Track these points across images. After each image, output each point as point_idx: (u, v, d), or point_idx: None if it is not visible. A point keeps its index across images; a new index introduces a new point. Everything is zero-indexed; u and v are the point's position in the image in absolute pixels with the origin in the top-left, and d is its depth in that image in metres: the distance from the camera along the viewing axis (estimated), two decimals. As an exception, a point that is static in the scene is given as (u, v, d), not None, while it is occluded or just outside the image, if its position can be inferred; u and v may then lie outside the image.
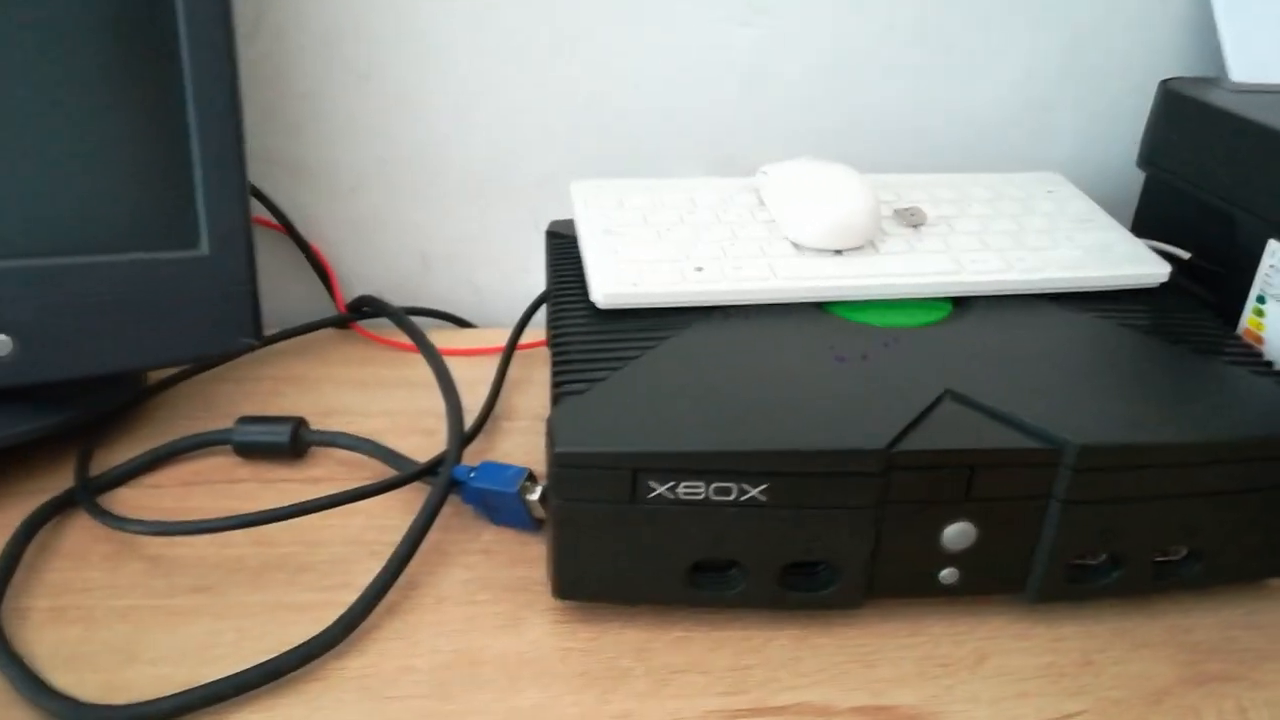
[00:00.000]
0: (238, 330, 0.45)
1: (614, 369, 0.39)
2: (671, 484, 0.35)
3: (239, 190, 0.43)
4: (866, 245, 0.46)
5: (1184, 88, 0.51)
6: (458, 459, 0.43)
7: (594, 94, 0.57)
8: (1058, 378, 0.39)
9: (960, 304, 0.44)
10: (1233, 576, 0.40)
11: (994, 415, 0.37)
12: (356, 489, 0.41)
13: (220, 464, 0.46)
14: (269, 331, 0.55)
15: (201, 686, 0.33)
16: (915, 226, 0.48)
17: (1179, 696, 0.36)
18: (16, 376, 0.41)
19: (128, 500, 0.44)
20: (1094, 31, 0.59)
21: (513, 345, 0.54)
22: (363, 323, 0.57)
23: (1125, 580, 0.38)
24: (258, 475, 0.45)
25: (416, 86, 0.56)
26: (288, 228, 0.57)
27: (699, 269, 0.43)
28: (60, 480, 0.44)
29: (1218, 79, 0.54)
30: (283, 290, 0.60)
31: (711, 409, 0.36)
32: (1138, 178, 0.55)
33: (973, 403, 0.37)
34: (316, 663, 0.36)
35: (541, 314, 0.55)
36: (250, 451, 0.46)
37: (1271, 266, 0.45)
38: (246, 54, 0.55)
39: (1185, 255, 0.50)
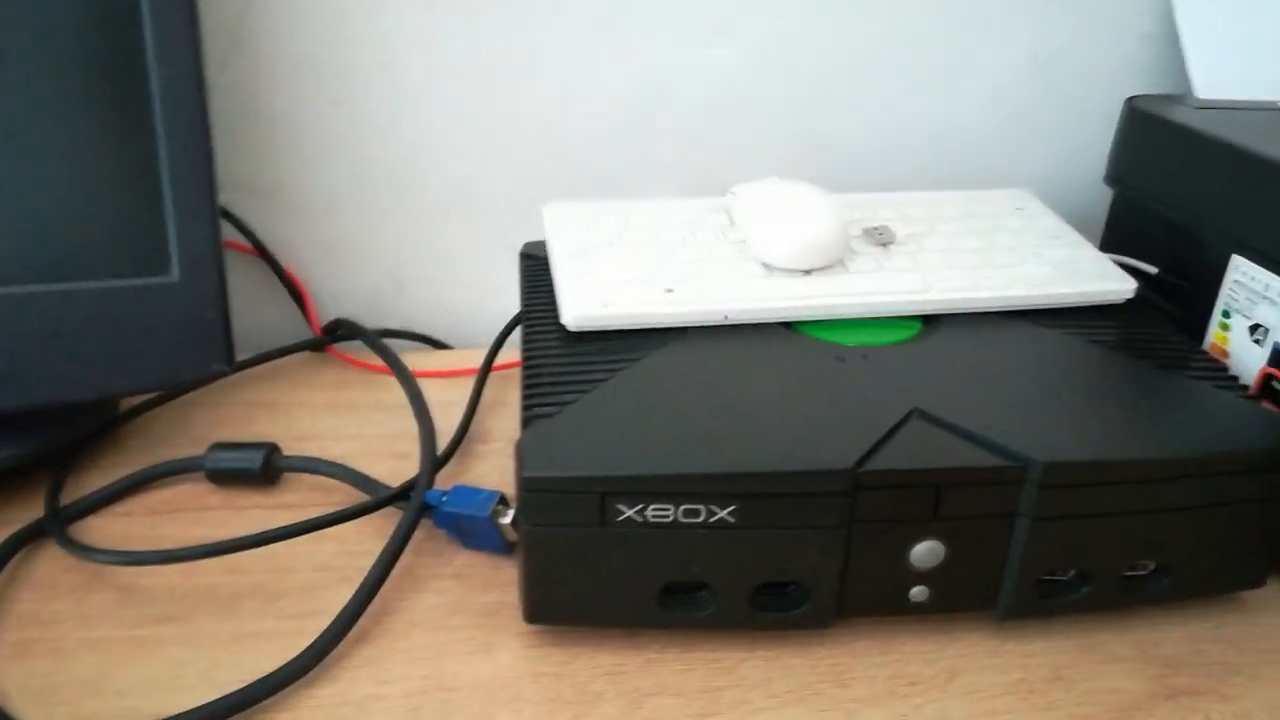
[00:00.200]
0: (210, 356, 0.45)
1: (584, 391, 0.39)
2: (640, 507, 0.35)
3: (209, 216, 0.43)
4: (836, 264, 0.46)
5: (1149, 105, 0.52)
6: (430, 483, 0.43)
7: (565, 115, 0.58)
8: (1025, 395, 0.39)
9: (929, 322, 0.45)
10: (1201, 590, 0.41)
11: (961, 434, 0.37)
12: (327, 515, 0.41)
13: (192, 491, 0.46)
14: (244, 355, 0.55)
15: (173, 718, 0.33)
16: (884, 245, 0.48)
17: (1148, 711, 0.36)
18: (-15, 405, 0.41)
19: (98, 529, 0.43)
20: (1062, 50, 0.60)
21: (487, 367, 0.54)
22: (338, 345, 0.57)
23: (1094, 596, 0.39)
24: (230, 502, 0.45)
25: (388, 110, 0.56)
26: (261, 251, 0.57)
27: (669, 290, 0.44)
28: (30, 510, 0.43)
29: (1183, 96, 0.54)
30: (257, 314, 0.60)
31: (680, 431, 0.36)
32: (1106, 194, 0.56)
33: (940, 421, 0.37)
34: (286, 692, 0.35)
35: (518, 335, 0.55)
36: (222, 478, 0.45)
37: (1236, 281, 0.45)
38: (219, 80, 0.55)
39: (1152, 270, 0.50)
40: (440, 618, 0.39)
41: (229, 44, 0.54)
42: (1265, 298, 0.43)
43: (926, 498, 0.36)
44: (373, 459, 0.48)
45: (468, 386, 0.53)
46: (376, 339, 0.54)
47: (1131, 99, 0.53)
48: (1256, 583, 0.40)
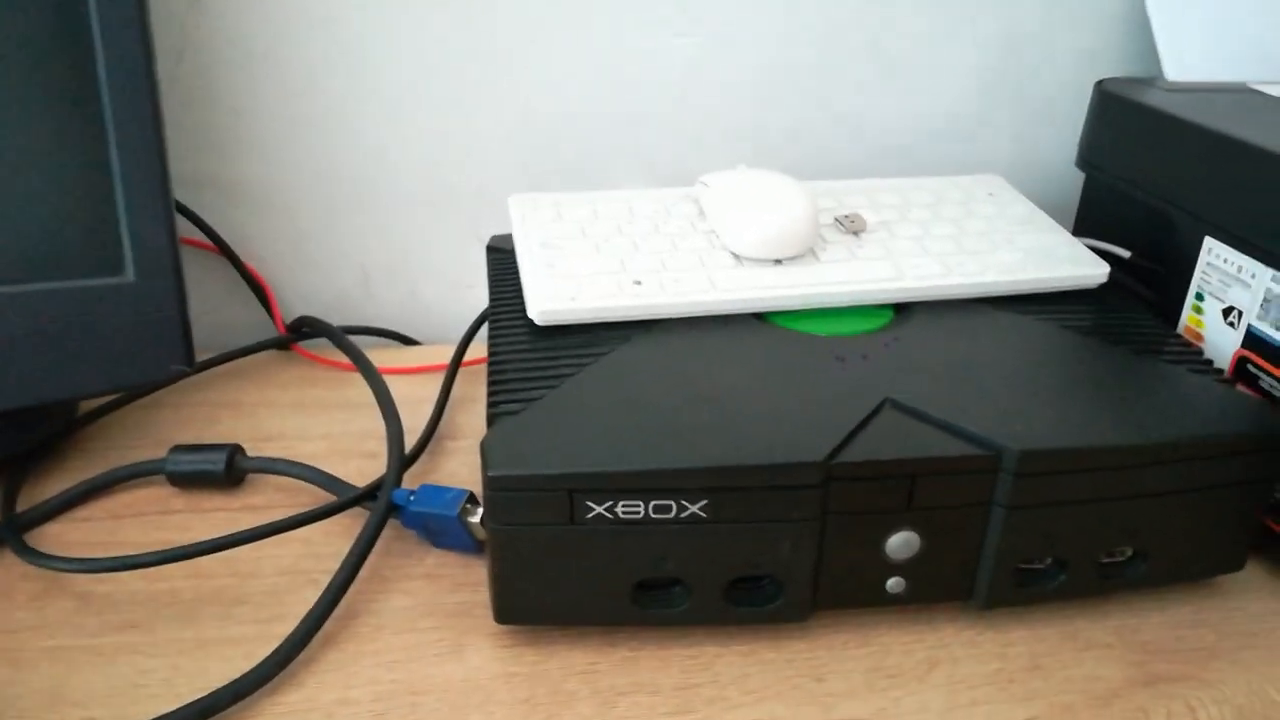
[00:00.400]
0: (168, 357, 0.44)
1: (551, 387, 0.38)
2: (610, 504, 0.34)
3: (164, 214, 0.42)
4: (806, 254, 0.45)
5: (1119, 88, 0.52)
6: (397, 482, 0.42)
7: (532, 106, 0.57)
8: (998, 382, 0.39)
9: (901, 310, 0.44)
10: (1179, 576, 0.40)
11: (934, 423, 0.36)
12: (291, 517, 0.40)
13: (153, 495, 0.45)
14: (207, 355, 0.54)
15: (128, 730, 0.32)
16: (855, 233, 0.48)
17: (1127, 698, 0.36)
18: (-65, 412, 0.40)
19: (57, 535, 0.42)
20: (1033, 33, 0.59)
21: (456, 363, 0.53)
22: (303, 343, 0.56)
23: (1071, 583, 0.38)
24: (192, 505, 0.44)
25: (350, 102, 0.55)
26: (223, 248, 0.56)
27: (638, 282, 0.43)
28: (-14, 517, 0.42)
29: (1153, 79, 0.54)
30: (220, 312, 0.59)
31: (649, 425, 0.36)
32: (1079, 179, 0.55)
33: (913, 411, 0.37)
34: (250, 699, 0.34)
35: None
36: (184, 481, 0.44)
37: (1209, 264, 0.45)
38: (174, 73, 0.53)
39: (1125, 254, 0.50)
40: (409, 620, 0.38)
41: (182, 38, 0.53)
42: (1238, 280, 0.43)
43: (900, 488, 0.35)
44: (340, 459, 0.47)
45: (438, 383, 0.52)
46: (342, 336, 0.53)
47: (1101, 82, 0.53)
48: (1235, 566, 0.40)
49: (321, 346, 0.56)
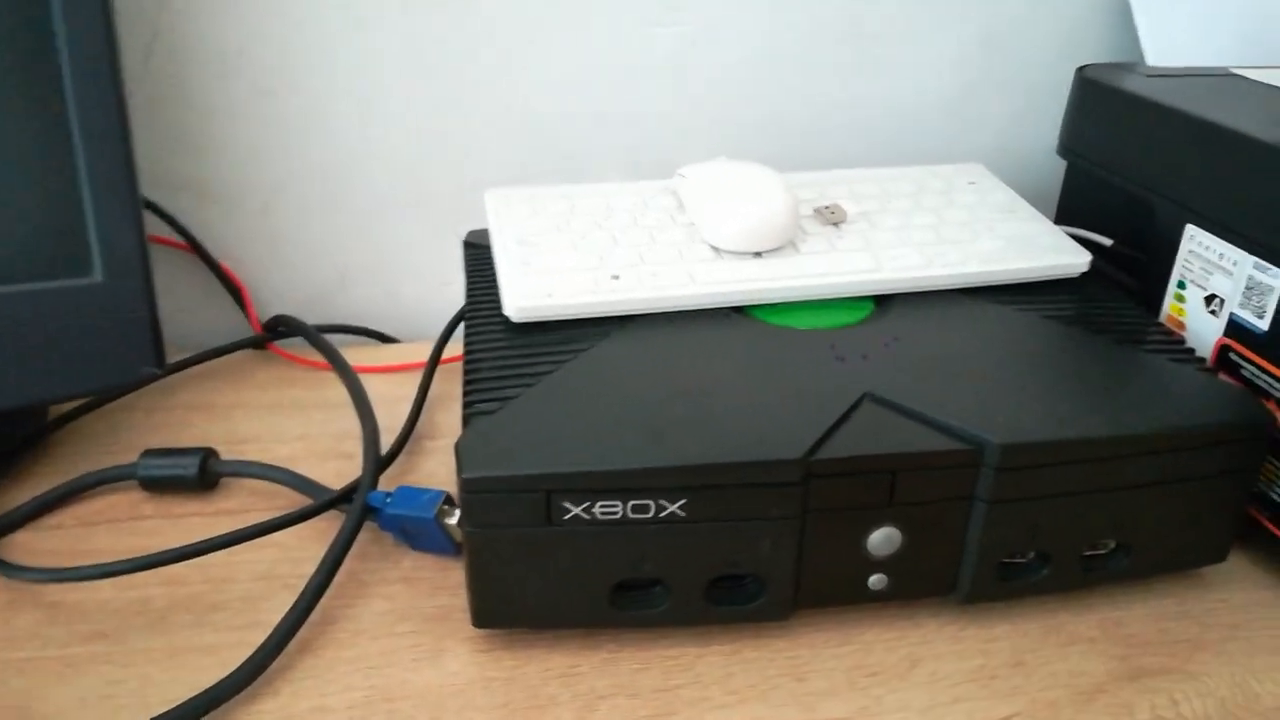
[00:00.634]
0: (139, 358, 0.43)
1: (527, 385, 0.37)
2: (587, 504, 0.34)
3: (132, 213, 0.41)
4: (786, 246, 0.45)
5: (1100, 74, 0.51)
6: (373, 484, 0.42)
7: (509, 101, 0.56)
8: (980, 374, 0.38)
9: (882, 302, 0.44)
10: (1163, 567, 0.40)
11: (914, 417, 0.36)
12: (265, 522, 0.39)
13: (125, 500, 0.44)
14: (183, 355, 0.53)
15: (99, 742, 0.32)
16: (836, 224, 0.47)
17: (1111, 693, 0.36)
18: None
19: (26, 543, 0.42)
20: (1013, 20, 0.59)
21: (434, 361, 0.52)
22: (280, 343, 0.56)
23: (1054, 577, 0.38)
24: (165, 511, 0.43)
25: (323, 99, 0.55)
26: (195, 247, 0.55)
27: (615, 277, 0.42)
28: (-46, 526, 0.42)
29: (1134, 65, 0.54)
30: (194, 313, 0.58)
31: (627, 424, 0.35)
32: (1061, 166, 0.55)
33: (893, 404, 0.36)
34: (224, 708, 0.34)
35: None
36: (156, 486, 0.44)
37: (1190, 252, 0.45)
38: (143, 71, 0.52)
39: (1107, 243, 0.50)
40: (386, 624, 0.38)
41: (151, 35, 0.52)
42: (1220, 267, 0.43)
43: (881, 484, 0.35)
44: (317, 460, 0.47)
45: (416, 381, 0.52)
46: (317, 335, 0.52)
47: (1082, 68, 0.52)
48: (1218, 558, 0.40)
49: (298, 346, 0.56)
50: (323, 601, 0.38)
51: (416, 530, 0.40)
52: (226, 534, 0.38)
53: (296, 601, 0.37)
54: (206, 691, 0.33)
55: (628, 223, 0.47)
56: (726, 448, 0.34)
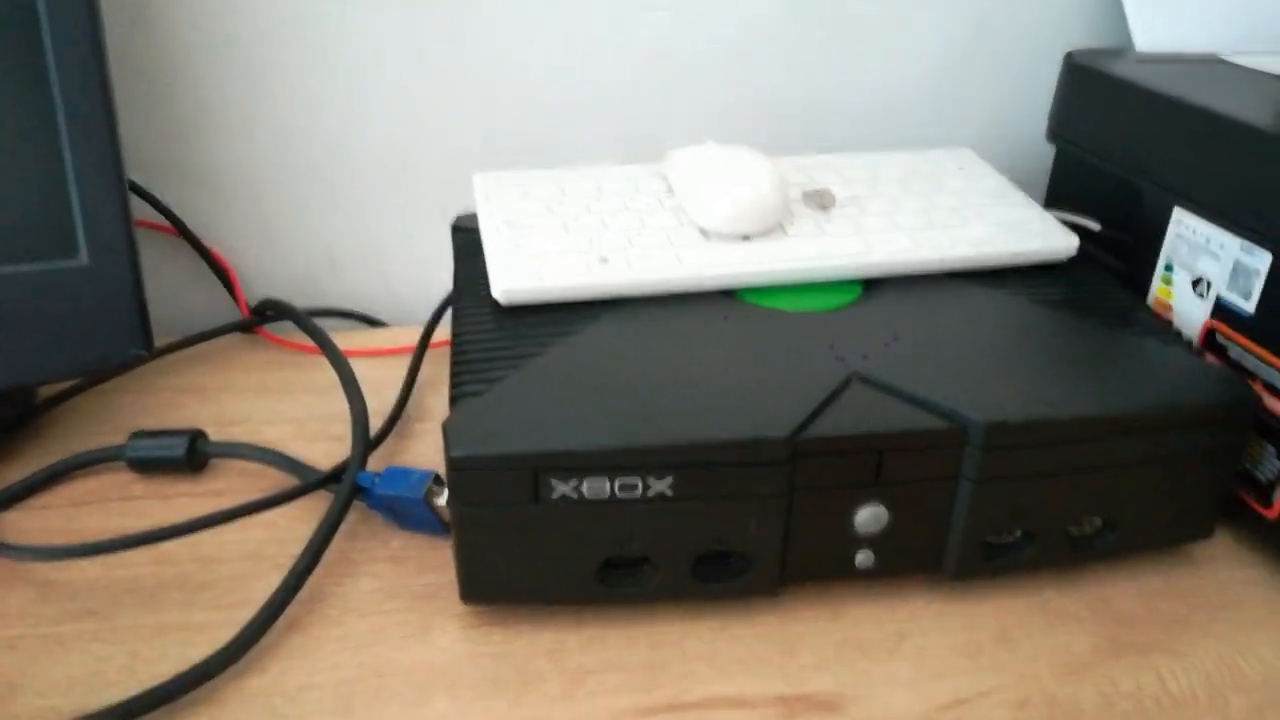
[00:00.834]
0: (126, 341, 0.43)
1: (515, 367, 0.37)
2: (574, 483, 0.34)
3: (117, 195, 0.41)
4: (775, 229, 0.45)
5: (1088, 59, 0.51)
6: (362, 465, 0.42)
7: (498, 83, 0.56)
8: (967, 356, 0.39)
9: (871, 285, 0.44)
10: (1149, 545, 0.41)
11: (901, 397, 0.36)
12: (253, 501, 0.39)
13: (114, 481, 0.44)
14: (170, 339, 0.53)
15: (87, 717, 0.32)
16: (824, 208, 0.47)
17: (1097, 668, 0.36)
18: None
19: (15, 524, 0.42)
20: (1003, 4, 0.59)
21: (424, 344, 0.52)
22: (269, 326, 0.56)
23: (1040, 555, 0.38)
24: (154, 491, 0.43)
25: (312, 81, 0.54)
26: (182, 231, 0.55)
27: (604, 260, 0.42)
28: (-58, 507, 0.42)
29: (1122, 50, 0.54)
30: (182, 296, 0.58)
31: (614, 404, 0.35)
32: (1050, 151, 0.55)
33: (880, 385, 0.37)
34: (212, 684, 0.34)
35: (455, 311, 0.53)
36: (145, 467, 0.44)
37: (1177, 235, 0.45)
38: (128, 53, 0.52)
39: (1096, 227, 0.50)
40: (375, 602, 0.38)
41: (135, 16, 0.52)
42: (1207, 250, 0.43)
43: (867, 463, 0.35)
44: (306, 442, 0.47)
45: (405, 365, 0.52)
46: (306, 318, 0.52)
47: (1071, 53, 0.53)
48: (1204, 535, 0.40)
49: (287, 329, 0.56)
50: (311, 580, 0.38)
51: (405, 510, 0.40)
52: (215, 513, 0.38)
53: (285, 579, 0.37)
54: (195, 667, 0.33)
55: (617, 206, 0.47)
56: (713, 427, 0.34)
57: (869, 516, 0.36)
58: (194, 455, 0.44)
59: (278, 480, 0.44)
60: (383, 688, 0.34)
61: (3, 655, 0.35)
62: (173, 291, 0.57)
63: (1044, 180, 0.56)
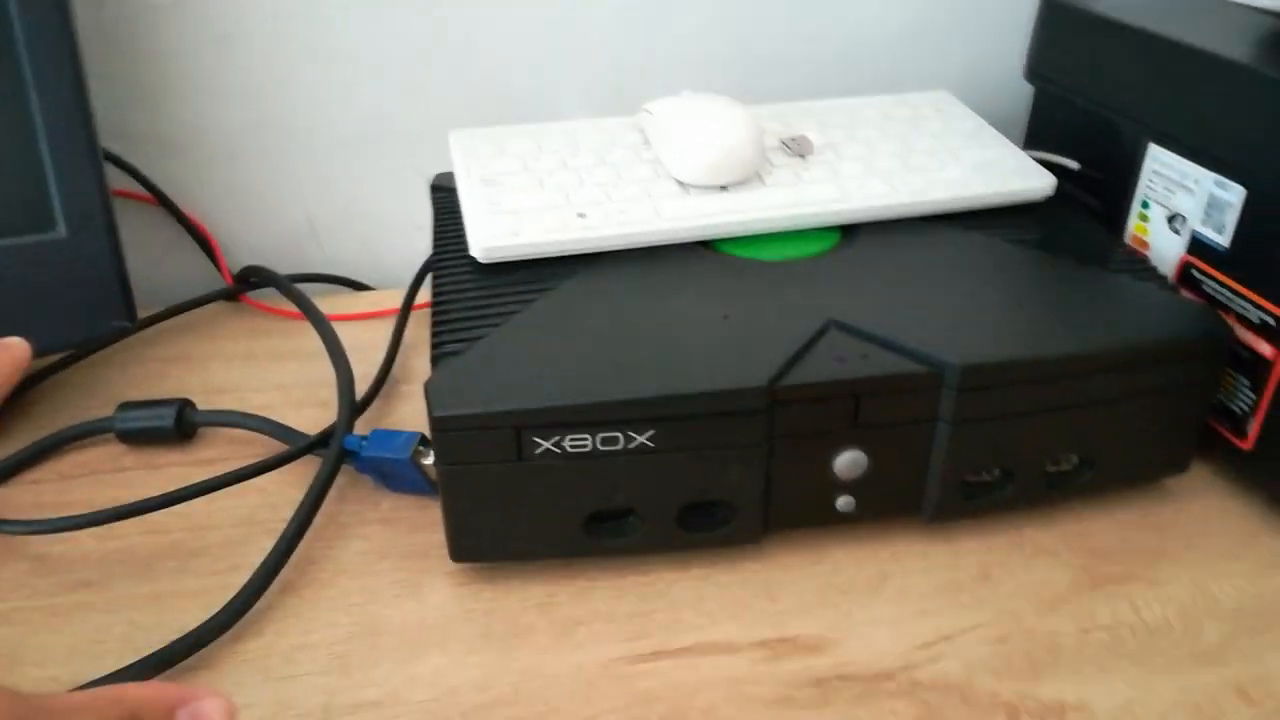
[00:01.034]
0: (109, 313, 0.43)
1: (495, 325, 0.38)
2: (556, 439, 0.34)
3: (92, 167, 0.41)
4: (752, 178, 0.45)
5: (1064, -5, 0.51)
6: (349, 429, 0.42)
7: (475, 38, 0.56)
8: (944, 299, 0.39)
9: (848, 232, 0.44)
10: (1126, 480, 0.41)
11: (877, 342, 0.36)
12: (242, 469, 0.40)
13: (104, 453, 0.44)
14: (154, 309, 0.53)
15: (86, 686, 0.32)
16: (802, 156, 0.47)
17: (1074, 601, 0.37)
18: None
19: (7, 499, 0.42)
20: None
21: (408, 306, 0.52)
22: (252, 293, 0.56)
23: (1019, 493, 0.39)
24: (144, 462, 0.44)
25: (282, 45, 0.54)
26: (161, 200, 0.54)
27: (582, 215, 0.42)
28: (-66, 484, 0.42)
29: (1098, -15, 0.53)
30: (163, 266, 0.57)
31: (593, 358, 0.36)
32: (1029, 92, 0.55)
33: (856, 331, 0.37)
34: (209, 649, 0.35)
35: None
36: (134, 438, 0.44)
37: (1154, 171, 0.45)
38: (98, 22, 0.52)
39: (1074, 165, 0.50)
40: (367, 563, 0.39)
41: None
42: (1182, 186, 0.43)
43: (845, 408, 0.35)
44: (294, 409, 0.47)
45: (390, 328, 0.52)
46: (290, 285, 0.52)
47: (1047, -10, 0.52)
48: (1179, 469, 0.41)
49: (271, 296, 0.56)
50: (303, 543, 0.38)
51: (393, 472, 0.41)
52: (205, 480, 0.39)
53: (277, 543, 0.37)
54: (191, 633, 0.34)
55: (594, 160, 0.47)
56: (692, 378, 0.35)
57: (848, 461, 0.36)
58: (182, 425, 0.44)
59: (267, 447, 0.44)
60: (376, 646, 0.35)
61: (1, 628, 0.36)
62: (155, 262, 0.57)
63: (1025, 121, 0.55)
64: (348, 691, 0.33)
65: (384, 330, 0.52)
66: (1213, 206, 0.41)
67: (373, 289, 0.60)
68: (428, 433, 0.41)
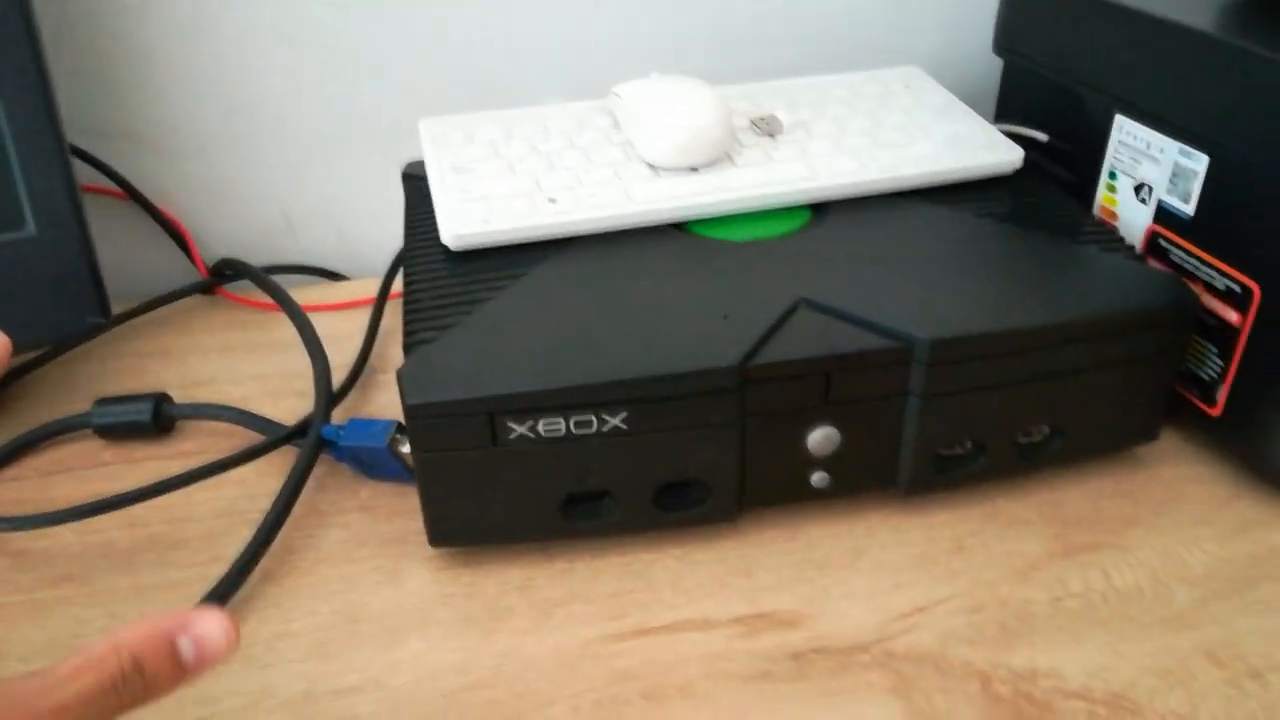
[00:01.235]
0: (82, 309, 0.43)
1: (467, 313, 0.38)
2: (530, 423, 0.35)
3: (59, 164, 0.41)
4: (722, 159, 0.45)
5: (1030, -32, 0.51)
6: (326, 418, 0.42)
7: (443, 24, 0.55)
8: (914, 274, 0.39)
9: (819, 210, 0.44)
10: (1097, 449, 0.42)
11: (847, 319, 0.37)
12: (220, 460, 0.40)
13: (83, 449, 0.44)
14: (130, 305, 0.53)
15: (70, 678, 0.33)
16: (772, 135, 0.47)
17: (1046, 569, 0.37)
18: None
19: (-12, 496, 0.42)
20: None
21: (383, 296, 0.52)
22: (228, 286, 0.56)
23: (991, 465, 0.39)
24: (123, 456, 0.44)
25: (247, 35, 0.54)
26: (132, 194, 0.54)
27: (552, 200, 0.43)
28: (-87, 484, 0.42)
29: (1065, -44, 0.53)
30: (138, 261, 0.57)
31: (564, 343, 0.36)
32: (999, 65, 0.55)
33: (826, 308, 0.37)
34: (190, 640, 0.35)
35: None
36: (112, 433, 0.44)
37: (1120, 142, 0.45)
38: (61, 15, 0.51)
39: (1043, 138, 0.50)
40: (346, 551, 0.39)
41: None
42: (1148, 155, 0.43)
43: (816, 385, 0.36)
44: (272, 400, 0.47)
45: (366, 318, 0.52)
46: (264, 276, 0.52)
47: (1014, -37, 0.52)
48: (1150, 437, 0.41)
49: (247, 289, 0.56)
50: (283, 533, 0.39)
51: (371, 460, 0.41)
52: (183, 473, 0.39)
53: (256, 533, 0.37)
54: (172, 624, 0.34)
55: (564, 145, 0.47)
56: (662, 359, 0.35)
57: (821, 438, 0.37)
58: (160, 418, 0.44)
59: (245, 439, 0.45)
60: (357, 632, 0.35)
61: (-17, 624, 0.36)
62: (129, 257, 0.57)
63: (995, 94, 0.56)
64: (329, 678, 0.34)
65: (360, 320, 0.52)
66: (1178, 175, 0.42)
67: (348, 279, 0.60)
68: (404, 421, 0.41)
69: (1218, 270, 0.40)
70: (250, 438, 0.44)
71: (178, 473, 0.39)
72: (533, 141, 0.47)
